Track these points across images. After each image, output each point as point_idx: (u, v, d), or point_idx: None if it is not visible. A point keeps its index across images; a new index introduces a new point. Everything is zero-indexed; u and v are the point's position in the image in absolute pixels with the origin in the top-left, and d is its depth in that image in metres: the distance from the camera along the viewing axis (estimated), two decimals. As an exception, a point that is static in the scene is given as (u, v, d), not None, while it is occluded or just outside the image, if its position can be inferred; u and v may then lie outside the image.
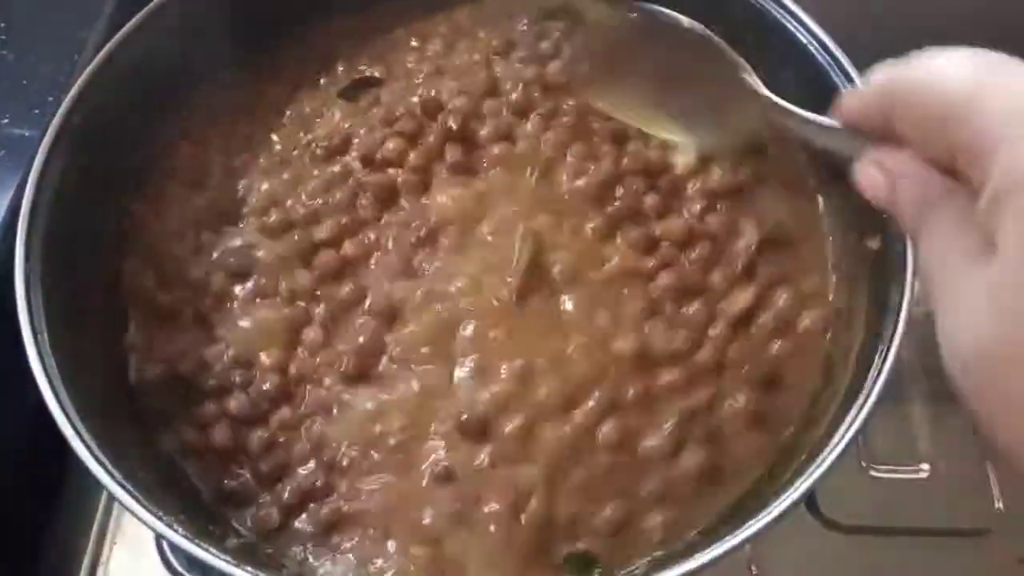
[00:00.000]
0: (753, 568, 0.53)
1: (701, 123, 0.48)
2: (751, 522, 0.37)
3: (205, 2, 0.54)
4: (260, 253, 0.49)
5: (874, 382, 0.39)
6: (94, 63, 0.50)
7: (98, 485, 0.53)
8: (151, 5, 0.52)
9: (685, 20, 0.46)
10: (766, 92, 0.42)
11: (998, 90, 0.27)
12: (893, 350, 0.40)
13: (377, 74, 0.56)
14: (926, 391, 0.59)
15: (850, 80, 0.47)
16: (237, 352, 0.46)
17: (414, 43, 0.58)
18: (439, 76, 0.55)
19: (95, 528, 0.55)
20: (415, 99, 0.53)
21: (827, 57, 0.48)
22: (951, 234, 0.28)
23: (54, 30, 0.61)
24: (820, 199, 0.51)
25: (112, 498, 0.52)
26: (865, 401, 0.39)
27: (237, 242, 0.50)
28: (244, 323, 0.48)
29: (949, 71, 0.28)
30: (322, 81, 0.57)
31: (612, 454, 0.43)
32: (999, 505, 0.56)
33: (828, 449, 0.38)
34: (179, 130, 0.54)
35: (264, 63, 0.57)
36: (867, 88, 0.32)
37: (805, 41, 0.49)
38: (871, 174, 0.32)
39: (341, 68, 0.57)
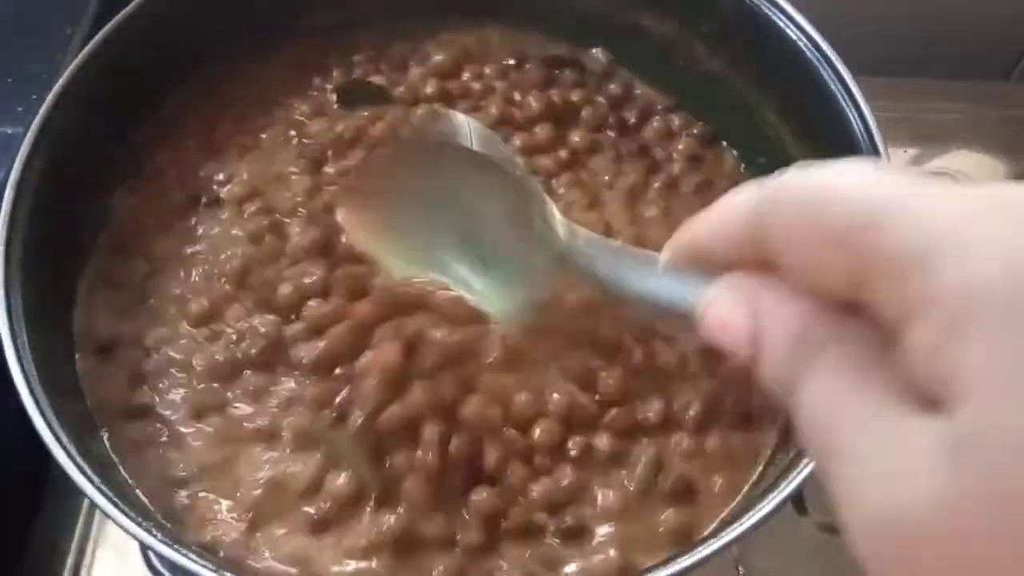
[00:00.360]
0: (740, 569, 0.53)
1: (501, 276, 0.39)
2: (736, 523, 0.37)
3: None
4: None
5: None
6: (77, 60, 0.49)
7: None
8: (135, 2, 0.51)
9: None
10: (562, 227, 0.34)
11: (925, 199, 0.20)
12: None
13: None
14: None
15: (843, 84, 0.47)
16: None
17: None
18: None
19: (78, 531, 0.55)
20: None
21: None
22: (855, 380, 0.21)
23: (38, 28, 0.60)
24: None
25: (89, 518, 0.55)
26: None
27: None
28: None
29: (849, 181, 0.21)
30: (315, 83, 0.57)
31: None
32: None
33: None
34: (163, 127, 0.54)
35: (253, 62, 0.57)
36: (731, 208, 0.25)
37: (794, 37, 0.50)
38: (724, 308, 0.24)
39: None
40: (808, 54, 0.49)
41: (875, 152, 0.44)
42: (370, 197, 0.41)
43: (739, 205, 0.24)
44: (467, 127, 0.38)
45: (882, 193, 0.21)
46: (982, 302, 0.19)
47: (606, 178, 0.53)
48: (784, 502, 0.37)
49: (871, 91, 0.47)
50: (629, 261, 0.31)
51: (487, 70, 0.57)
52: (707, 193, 0.53)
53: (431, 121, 0.45)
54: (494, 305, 0.39)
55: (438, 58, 0.57)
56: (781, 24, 0.50)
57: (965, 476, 0.18)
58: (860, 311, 0.21)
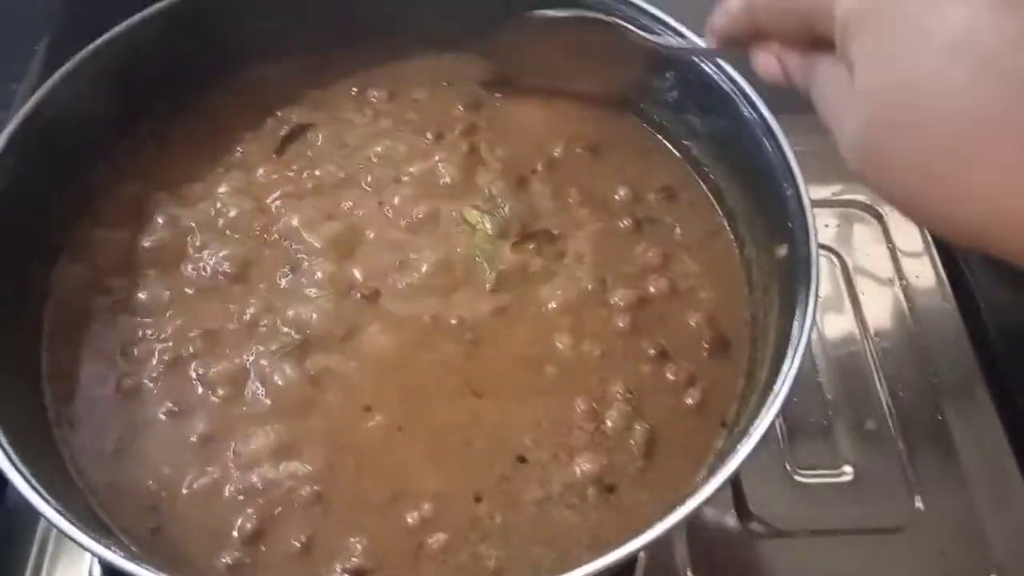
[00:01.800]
0: (688, 572, 0.55)
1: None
2: (678, 509, 0.38)
3: (131, 53, 0.55)
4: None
5: (788, 370, 0.42)
6: (22, 112, 0.50)
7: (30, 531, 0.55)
8: (76, 58, 0.53)
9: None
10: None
11: None
12: (804, 340, 0.42)
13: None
14: (847, 408, 0.62)
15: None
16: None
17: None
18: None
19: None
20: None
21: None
22: (828, 75, 0.37)
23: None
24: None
25: (44, 541, 0.55)
26: (780, 389, 0.41)
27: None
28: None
29: None
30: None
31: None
32: (919, 504, 0.59)
33: (744, 441, 0.40)
34: (106, 176, 0.55)
35: (193, 109, 0.58)
36: (731, 8, 0.42)
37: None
38: (765, 61, 0.41)
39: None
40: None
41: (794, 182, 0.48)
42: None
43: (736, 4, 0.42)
44: None
45: None
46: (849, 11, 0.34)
47: None
48: (721, 487, 0.39)
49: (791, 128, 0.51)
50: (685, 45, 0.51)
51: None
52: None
53: None
54: None
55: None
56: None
57: (869, 109, 0.34)
58: (823, 41, 0.37)
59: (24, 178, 0.49)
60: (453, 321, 0.50)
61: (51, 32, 0.64)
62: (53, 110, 0.51)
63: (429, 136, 0.58)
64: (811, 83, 0.39)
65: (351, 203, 0.54)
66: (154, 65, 0.55)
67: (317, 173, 0.56)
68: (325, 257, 0.51)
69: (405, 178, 0.56)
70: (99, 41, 0.53)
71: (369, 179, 0.55)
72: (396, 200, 0.54)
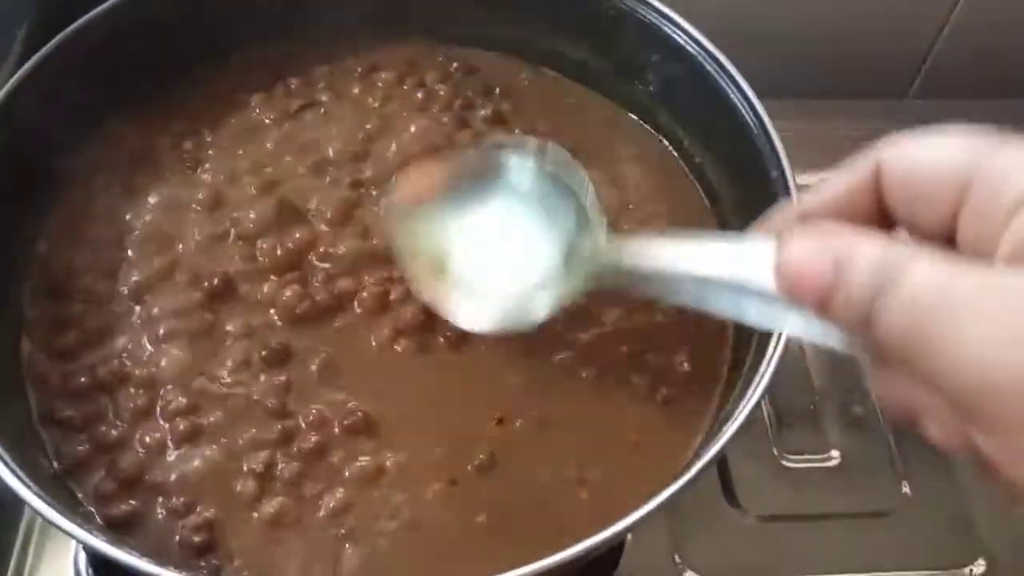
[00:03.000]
0: (676, 557, 0.55)
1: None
2: (663, 490, 0.38)
3: (106, 41, 0.54)
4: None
5: (773, 352, 0.42)
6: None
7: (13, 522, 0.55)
8: (49, 45, 0.52)
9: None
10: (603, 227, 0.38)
11: (1003, 156, 0.26)
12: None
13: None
14: (835, 393, 0.63)
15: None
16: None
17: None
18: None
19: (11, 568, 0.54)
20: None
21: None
22: (944, 266, 0.24)
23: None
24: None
25: (28, 535, 0.54)
26: (765, 371, 0.41)
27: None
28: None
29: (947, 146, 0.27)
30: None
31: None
32: (906, 489, 0.59)
33: (732, 419, 0.40)
34: (81, 169, 0.54)
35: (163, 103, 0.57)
36: (855, 171, 0.29)
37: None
38: (803, 251, 0.26)
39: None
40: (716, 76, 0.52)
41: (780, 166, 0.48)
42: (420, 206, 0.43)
43: (860, 168, 0.29)
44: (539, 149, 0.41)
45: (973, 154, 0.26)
46: None
47: None
48: (705, 467, 0.38)
49: (776, 112, 0.50)
50: (673, 259, 0.33)
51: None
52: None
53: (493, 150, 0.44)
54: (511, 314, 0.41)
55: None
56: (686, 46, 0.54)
57: None
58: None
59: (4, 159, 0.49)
60: None
61: (32, 15, 0.63)
62: (34, 91, 0.50)
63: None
64: (898, 289, 0.24)
65: None
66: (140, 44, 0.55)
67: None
68: None
69: None
70: (83, 20, 0.53)
71: None
72: None
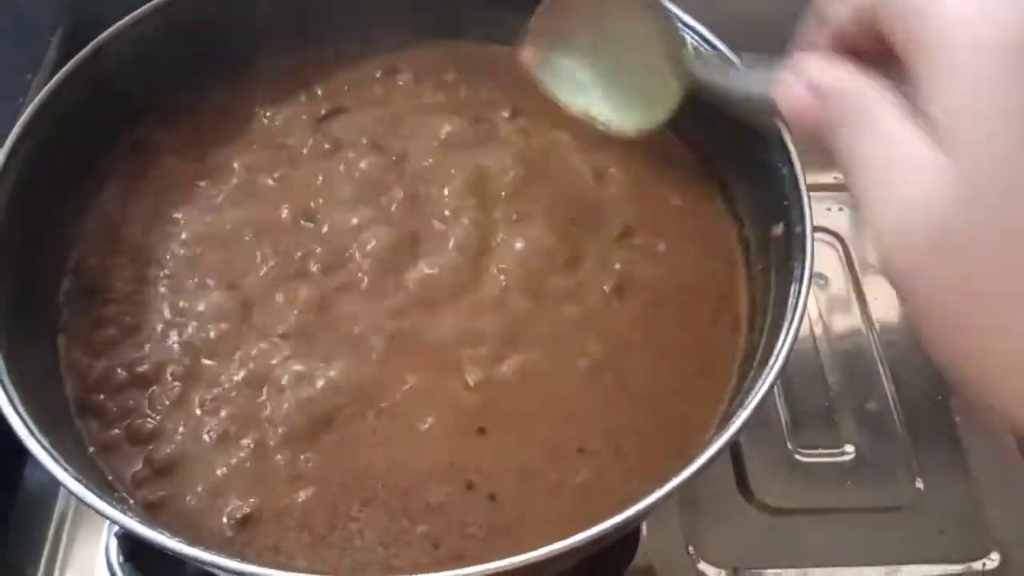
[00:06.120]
0: (690, 548, 0.56)
1: (630, 97, 0.54)
2: (674, 478, 0.39)
3: (149, 41, 0.56)
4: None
5: (784, 342, 0.42)
6: (37, 101, 0.51)
7: (47, 512, 0.56)
8: (92, 44, 0.54)
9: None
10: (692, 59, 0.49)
11: None
12: (799, 314, 0.43)
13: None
14: (849, 389, 0.63)
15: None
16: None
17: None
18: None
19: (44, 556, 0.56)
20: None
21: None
22: (881, 118, 0.30)
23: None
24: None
25: (61, 524, 0.56)
26: (775, 362, 0.42)
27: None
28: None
29: None
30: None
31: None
32: (919, 484, 0.59)
33: (744, 408, 0.41)
34: (121, 168, 0.56)
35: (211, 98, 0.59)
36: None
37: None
38: (794, 91, 0.34)
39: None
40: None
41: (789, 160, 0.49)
42: (549, 38, 0.55)
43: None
44: None
45: None
46: (955, 47, 0.27)
47: None
48: (719, 452, 0.39)
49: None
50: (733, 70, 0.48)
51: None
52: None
53: None
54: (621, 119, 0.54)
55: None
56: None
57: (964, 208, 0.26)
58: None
59: (41, 161, 0.50)
60: None
61: (66, 22, 0.65)
62: (70, 96, 0.52)
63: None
64: (844, 121, 0.31)
65: None
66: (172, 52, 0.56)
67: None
68: None
69: None
70: (119, 24, 0.54)
71: None
72: None
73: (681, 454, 0.42)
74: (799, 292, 0.44)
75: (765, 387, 0.40)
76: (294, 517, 0.44)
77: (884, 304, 0.67)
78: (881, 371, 0.64)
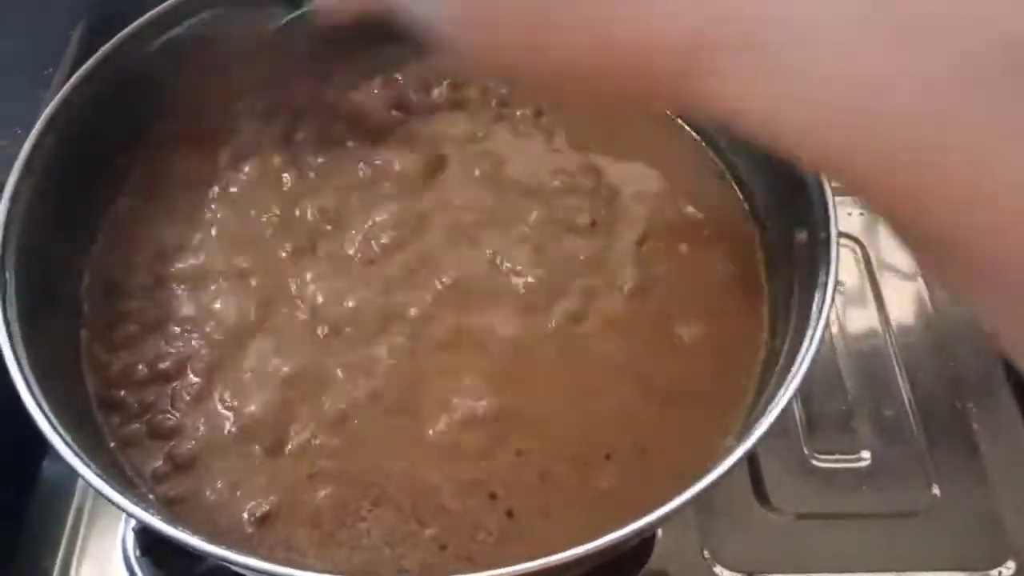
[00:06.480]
0: (706, 553, 0.56)
1: None
2: (693, 487, 0.39)
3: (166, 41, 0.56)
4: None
5: (807, 350, 0.42)
6: (59, 96, 0.51)
7: (64, 506, 0.56)
8: (114, 40, 0.54)
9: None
10: None
11: None
12: (822, 323, 0.43)
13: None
14: (867, 395, 0.63)
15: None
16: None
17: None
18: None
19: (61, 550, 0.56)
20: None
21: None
22: None
23: (20, 66, 0.63)
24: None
25: (78, 518, 0.56)
26: (797, 370, 0.42)
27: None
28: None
29: None
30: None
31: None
32: (935, 490, 0.59)
33: (764, 416, 0.41)
34: (144, 161, 0.56)
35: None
36: None
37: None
38: None
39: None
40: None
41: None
42: None
43: None
44: None
45: None
46: None
47: None
48: (735, 464, 0.39)
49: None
50: None
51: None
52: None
53: None
54: None
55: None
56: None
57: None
58: None
59: (63, 157, 0.50)
60: None
61: (87, 17, 0.65)
62: (92, 91, 0.52)
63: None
64: None
65: None
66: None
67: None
68: None
69: None
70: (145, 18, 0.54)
71: None
72: None
73: (700, 459, 0.42)
74: (823, 300, 0.44)
75: (786, 398, 0.40)
76: (308, 514, 0.45)
77: (901, 307, 0.67)
78: (898, 375, 0.64)
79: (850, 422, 0.61)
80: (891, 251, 0.69)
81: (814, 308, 0.44)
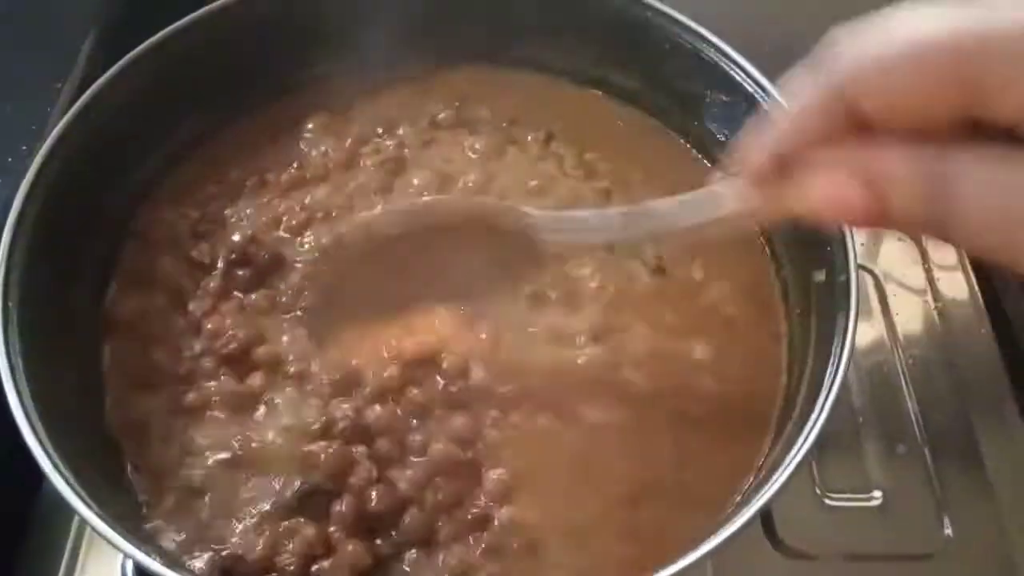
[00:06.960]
0: (716, 592, 0.55)
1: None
2: (708, 540, 0.38)
3: (179, 57, 0.56)
4: None
5: (824, 400, 0.41)
6: (70, 114, 0.51)
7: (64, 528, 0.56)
8: (125, 59, 0.53)
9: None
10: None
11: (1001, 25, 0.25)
12: (841, 371, 0.42)
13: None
14: (877, 427, 0.62)
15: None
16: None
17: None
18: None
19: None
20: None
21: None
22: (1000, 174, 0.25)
23: (29, 81, 0.62)
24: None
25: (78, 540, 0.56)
26: (816, 420, 0.41)
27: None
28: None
29: (923, 24, 0.26)
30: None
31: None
32: (948, 531, 0.58)
33: (781, 468, 0.40)
34: (153, 179, 0.56)
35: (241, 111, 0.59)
36: (816, 77, 0.28)
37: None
38: (831, 186, 0.28)
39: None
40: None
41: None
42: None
43: (815, 91, 0.28)
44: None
45: (965, 28, 0.25)
46: None
47: None
48: (752, 519, 0.38)
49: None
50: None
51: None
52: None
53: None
54: None
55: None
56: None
57: None
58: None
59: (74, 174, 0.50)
60: None
61: (97, 30, 0.64)
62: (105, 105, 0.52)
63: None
64: (958, 195, 0.25)
65: None
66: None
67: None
68: None
69: None
70: (160, 35, 0.54)
71: None
72: None
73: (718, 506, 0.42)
74: (842, 346, 0.43)
75: (800, 456, 0.40)
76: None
77: (913, 336, 0.66)
78: (910, 408, 0.63)
79: (862, 461, 0.60)
80: (900, 277, 0.69)
81: (832, 355, 0.43)
